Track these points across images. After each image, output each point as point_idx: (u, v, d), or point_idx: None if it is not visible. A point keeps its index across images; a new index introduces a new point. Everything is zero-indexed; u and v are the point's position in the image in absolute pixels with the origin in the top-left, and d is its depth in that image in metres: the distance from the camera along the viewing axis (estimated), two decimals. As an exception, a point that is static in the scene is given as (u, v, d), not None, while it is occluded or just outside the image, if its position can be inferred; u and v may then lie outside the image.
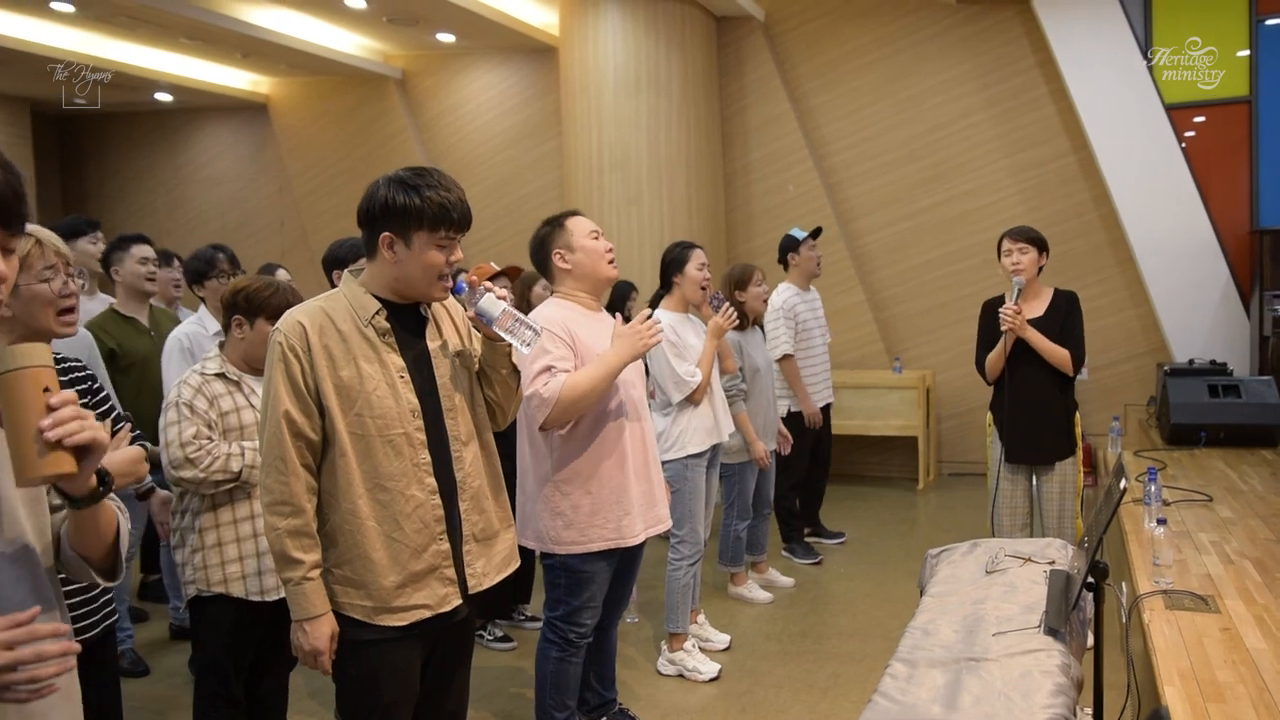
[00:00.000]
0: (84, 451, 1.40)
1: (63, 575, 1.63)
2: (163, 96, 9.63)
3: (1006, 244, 4.16)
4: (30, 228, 2.31)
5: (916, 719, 2.00)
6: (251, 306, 3.02)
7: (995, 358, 4.16)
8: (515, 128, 8.79)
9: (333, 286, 3.79)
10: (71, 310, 2.38)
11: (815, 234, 5.75)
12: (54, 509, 1.60)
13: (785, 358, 5.50)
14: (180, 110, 10.25)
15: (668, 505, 3.44)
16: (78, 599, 2.44)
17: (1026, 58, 7.39)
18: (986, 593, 2.76)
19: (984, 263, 7.52)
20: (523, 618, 4.82)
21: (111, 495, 1.61)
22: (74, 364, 2.59)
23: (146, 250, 4.47)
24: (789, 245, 5.69)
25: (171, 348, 4.04)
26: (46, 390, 1.38)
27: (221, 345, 3.11)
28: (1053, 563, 2.92)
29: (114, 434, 2.53)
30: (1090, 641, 2.57)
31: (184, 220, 10.00)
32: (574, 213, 3.34)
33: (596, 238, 3.28)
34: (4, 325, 2.29)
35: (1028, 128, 7.44)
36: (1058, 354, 4.07)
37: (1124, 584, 2.95)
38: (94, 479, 1.47)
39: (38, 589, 1.48)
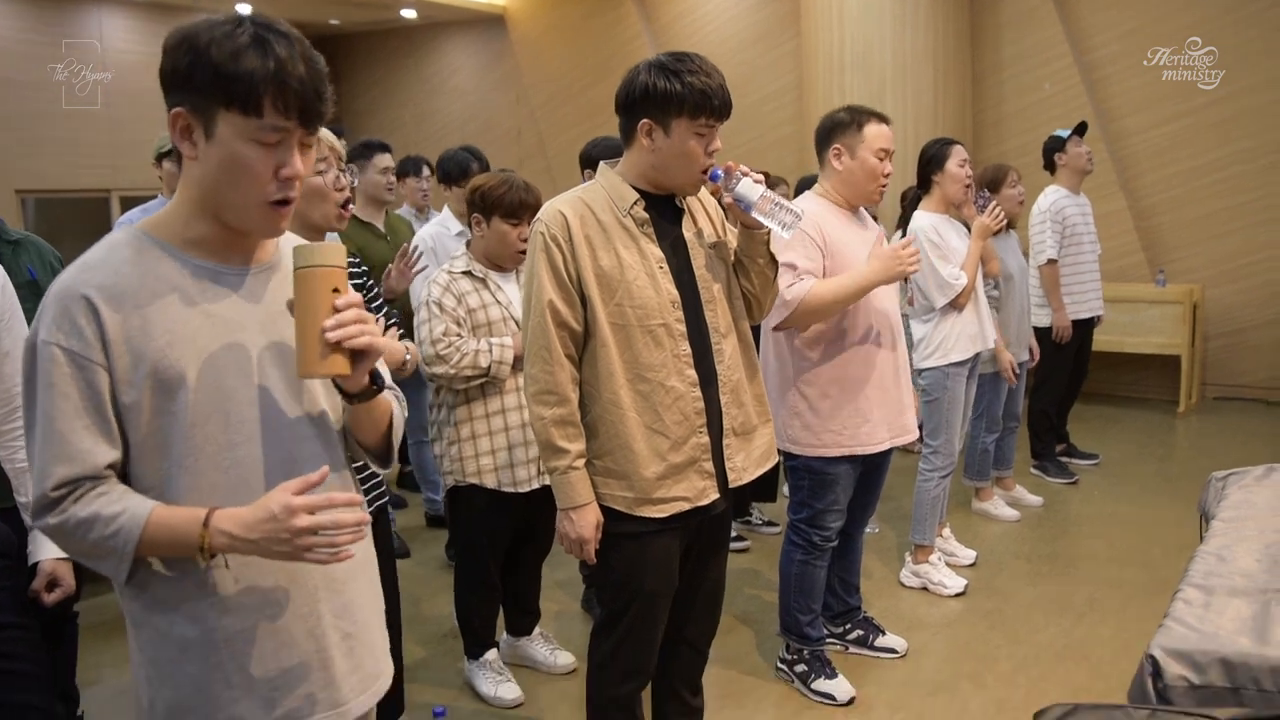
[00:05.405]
0: (361, 354, 1.47)
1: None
2: (408, 13, 10.01)
3: None
4: None
5: (1221, 648, 1.84)
6: (487, 204, 3.07)
7: None
8: (752, 29, 8.56)
9: None
10: (347, 204, 2.47)
11: (1080, 130, 5.34)
12: None
13: (1049, 263, 5.19)
14: (424, 26, 10.62)
15: (914, 416, 3.32)
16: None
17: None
18: (1290, 521, 2.51)
19: (1271, 165, 6.75)
20: (760, 521, 4.84)
21: (391, 385, 1.68)
22: (353, 260, 2.72)
23: (387, 160, 4.53)
24: (1054, 146, 5.31)
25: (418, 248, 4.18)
26: (335, 291, 1.43)
27: (468, 244, 3.20)
28: (1371, 492, 2.62)
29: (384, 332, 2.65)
30: None
31: (431, 132, 10.43)
32: (881, 119, 3.15)
33: (883, 158, 3.12)
34: None
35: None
36: None
37: None
38: (366, 379, 1.53)
39: (334, 462, 1.58)
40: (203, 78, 1.38)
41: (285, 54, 1.39)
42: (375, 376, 1.56)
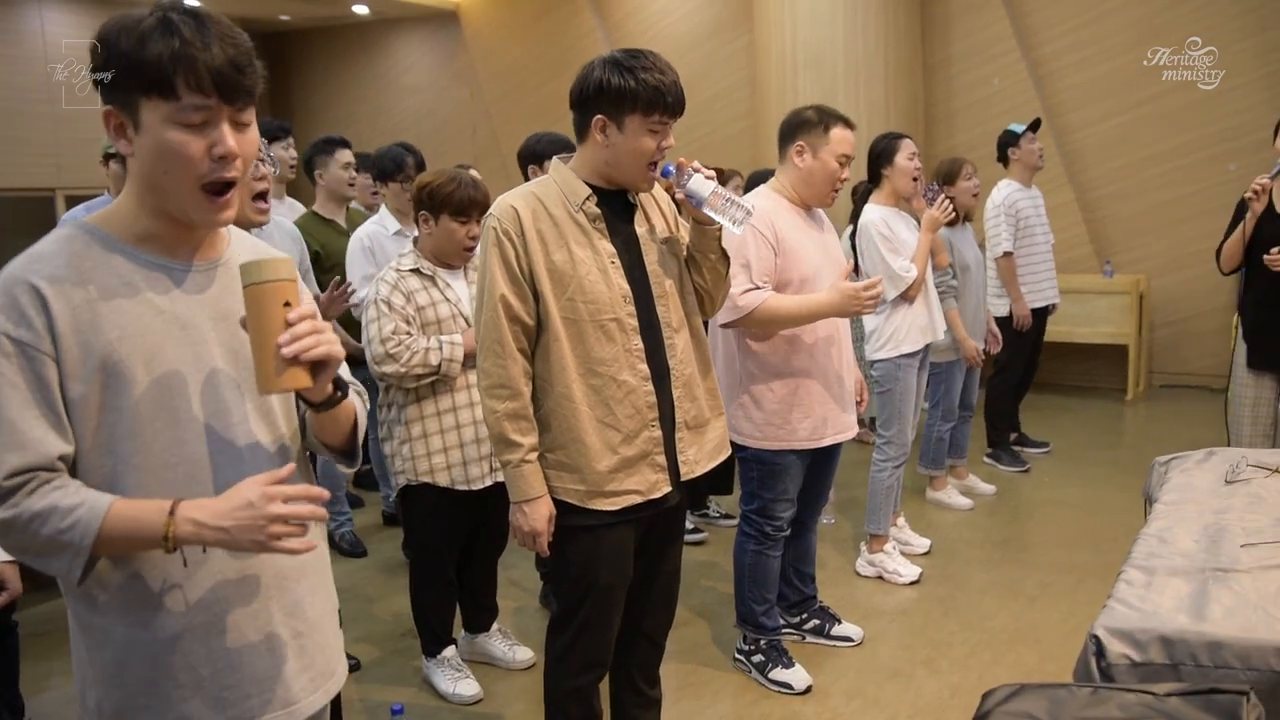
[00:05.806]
0: (320, 365, 1.46)
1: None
2: (360, 9, 9.91)
3: None
4: None
5: (1160, 627, 1.89)
6: (435, 202, 3.06)
7: (1233, 242, 3.76)
8: (704, 25, 8.59)
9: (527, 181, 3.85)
10: (264, 195, 2.43)
11: (1034, 126, 5.47)
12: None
13: (1004, 256, 5.29)
14: (377, 22, 10.53)
15: (855, 414, 3.36)
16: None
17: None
18: (1228, 503, 2.58)
19: (1213, 157, 6.89)
20: (717, 514, 4.87)
21: (351, 381, 1.68)
22: None
23: (348, 155, 4.54)
24: (1008, 140, 5.43)
25: (354, 247, 4.16)
26: (287, 305, 1.42)
27: (415, 241, 3.19)
28: (1305, 474, 2.69)
29: None
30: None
31: (385, 128, 10.32)
32: (848, 125, 3.21)
33: (844, 163, 3.18)
34: None
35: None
36: None
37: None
38: (330, 387, 1.53)
39: (285, 458, 1.58)
40: (117, 71, 1.37)
41: (191, 33, 1.37)
42: (338, 383, 1.55)
